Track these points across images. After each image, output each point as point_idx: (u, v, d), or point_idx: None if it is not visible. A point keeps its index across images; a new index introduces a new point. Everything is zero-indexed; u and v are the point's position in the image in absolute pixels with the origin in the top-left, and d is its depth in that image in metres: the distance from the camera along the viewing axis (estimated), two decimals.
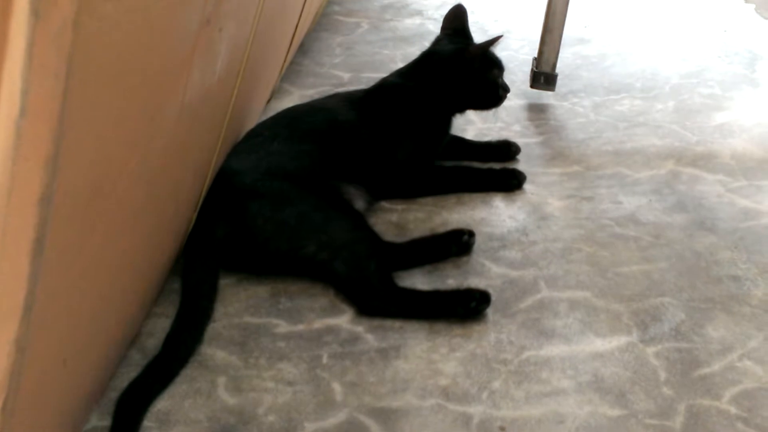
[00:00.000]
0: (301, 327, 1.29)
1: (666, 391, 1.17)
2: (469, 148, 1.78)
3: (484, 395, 1.16)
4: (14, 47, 0.57)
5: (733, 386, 1.18)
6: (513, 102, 2.05)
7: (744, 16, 2.66)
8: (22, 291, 0.67)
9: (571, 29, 2.26)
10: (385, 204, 1.61)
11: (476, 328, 1.28)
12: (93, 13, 0.64)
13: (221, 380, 1.17)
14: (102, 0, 0.65)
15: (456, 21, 1.77)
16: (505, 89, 1.72)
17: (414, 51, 2.27)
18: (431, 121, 1.67)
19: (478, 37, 1.78)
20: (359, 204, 1.50)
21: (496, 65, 1.70)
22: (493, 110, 1.75)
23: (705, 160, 1.78)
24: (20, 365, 0.70)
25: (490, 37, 1.67)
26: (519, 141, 1.82)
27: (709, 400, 1.15)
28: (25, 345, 0.70)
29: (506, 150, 1.77)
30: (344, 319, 1.30)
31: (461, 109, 1.72)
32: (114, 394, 1.12)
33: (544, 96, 2.06)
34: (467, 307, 1.29)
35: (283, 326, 1.28)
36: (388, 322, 1.29)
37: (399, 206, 1.60)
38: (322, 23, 2.54)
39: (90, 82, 0.68)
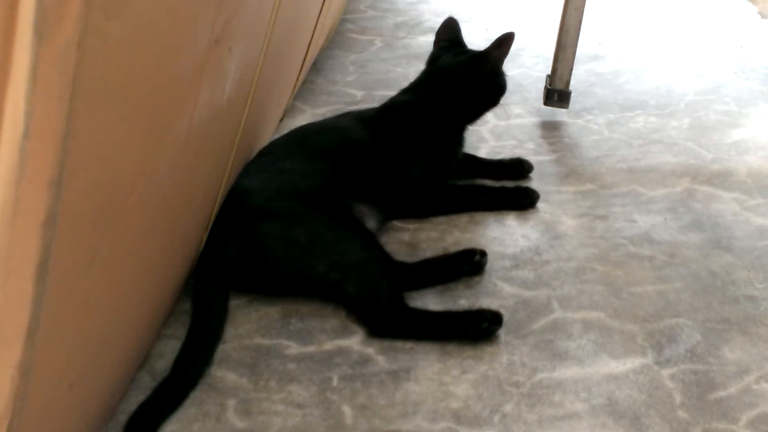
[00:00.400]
0: (311, 348, 1.27)
1: (681, 414, 1.15)
2: (481, 166, 1.77)
3: (496, 418, 1.14)
4: (18, 69, 0.57)
5: (750, 410, 1.16)
6: (527, 119, 2.04)
7: (760, 32, 2.64)
8: (26, 315, 0.66)
9: (585, 46, 2.25)
10: (397, 223, 1.59)
11: (488, 350, 1.27)
12: (98, 34, 0.64)
13: (231, 403, 1.16)
14: (107, 20, 0.65)
15: (450, 32, 1.78)
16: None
17: None
18: (444, 138, 1.66)
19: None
20: (371, 223, 1.49)
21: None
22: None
23: (721, 178, 1.76)
24: (24, 389, 0.70)
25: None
26: (532, 159, 1.81)
27: (725, 424, 1.13)
28: (30, 369, 0.69)
29: (519, 168, 1.76)
30: (355, 341, 1.29)
31: (476, 116, 1.72)
32: (123, 417, 1.11)
33: (558, 113, 2.05)
34: (479, 328, 1.28)
35: (293, 348, 1.27)
36: (399, 344, 1.28)
37: (411, 225, 1.59)
38: (335, 41, 2.54)
39: (95, 103, 0.67)
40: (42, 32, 0.57)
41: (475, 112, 1.71)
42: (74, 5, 0.59)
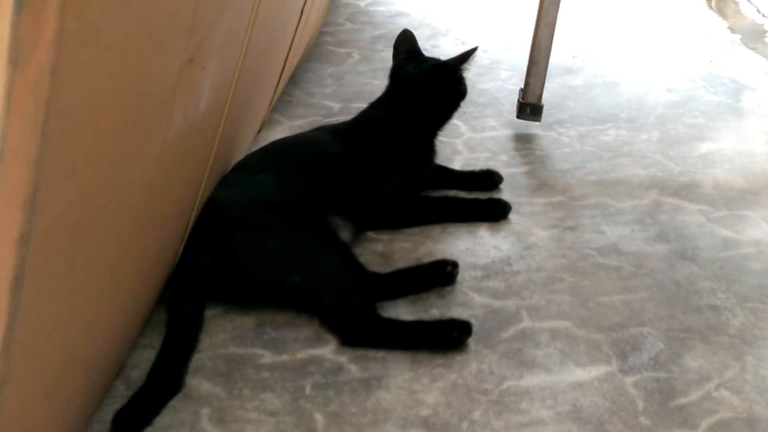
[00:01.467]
0: (285, 357, 1.30)
1: (643, 420, 1.18)
2: (453, 177, 1.81)
3: (465, 425, 1.17)
4: None
5: (710, 416, 1.20)
6: (500, 132, 2.08)
7: (729, 47, 2.70)
8: (2, 327, 0.69)
9: (559, 59, 2.31)
10: (371, 234, 1.63)
11: (458, 358, 1.30)
12: (71, 60, 0.67)
13: (205, 411, 1.19)
14: (80, 47, 0.68)
15: (407, 44, 1.83)
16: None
17: None
18: (416, 148, 1.70)
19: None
20: (345, 234, 1.52)
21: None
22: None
23: (687, 190, 1.81)
24: (0, 399, 0.72)
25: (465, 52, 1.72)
26: (505, 171, 1.85)
27: (685, 430, 1.17)
28: (6, 379, 0.72)
29: (489, 179, 1.80)
30: (328, 350, 1.32)
31: (443, 122, 1.77)
32: (98, 426, 1.14)
33: (531, 126, 2.10)
34: (449, 338, 1.31)
35: (267, 356, 1.30)
36: (371, 352, 1.31)
37: (385, 236, 1.63)
38: (313, 54, 2.58)
39: (69, 126, 0.70)
40: (16, 60, 0.60)
41: (441, 118, 1.76)
42: (47, 34, 0.62)
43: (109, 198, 0.87)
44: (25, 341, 0.74)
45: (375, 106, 1.75)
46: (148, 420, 1.16)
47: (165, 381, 1.21)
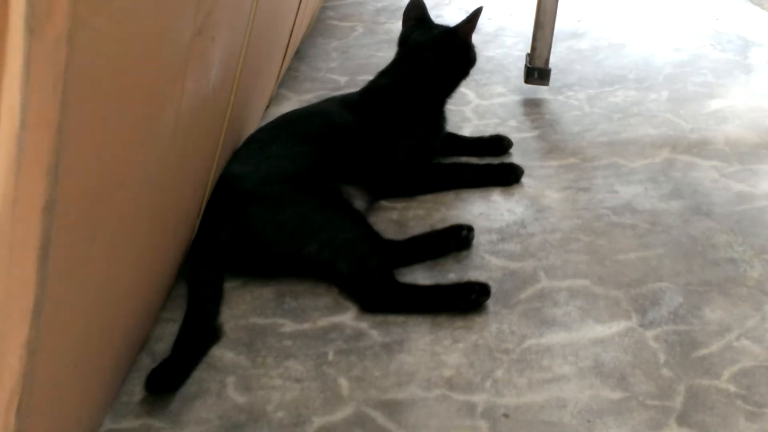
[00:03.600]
0: (306, 326, 1.31)
1: (666, 372, 1.19)
2: (462, 144, 1.81)
3: (488, 384, 1.18)
4: (12, 63, 0.60)
5: (732, 365, 1.20)
6: (508, 98, 2.08)
7: (735, 3, 2.68)
8: (31, 296, 0.70)
9: (564, 23, 2.30)
10: (385, 203, 1.63)
11: (478, 320, 1.31)
12: (86, 28, 0.67)
13: (230, 380, 1.20)
14: (94, 15, 0.68)
15: (417, 11, 1.82)
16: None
17: None
18: (426, 116, 1.70)
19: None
20: (359, 203, 1.53)
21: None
22: None
23: (699, 147, 1.81)
24: (32, 368, 0.73)
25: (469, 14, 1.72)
26: (515, 136, 1.84)
27: (708, 380, 1.18)
28: (36, 348, 0.73)
29: (499, 144, 1.80)
30: (348, 317, 1.33)
31: (452, 89, 1.76)
32: (126, 398, 1.15)
33: (539, 91, 2.09)
34: (468, 300, 1.32)
35: (288, 325, 1.31)
36: (391, 318, 1.32)
37: (399, 204, 1.63)
38: (317, 29, 2.57)
39: (87, 94, 0.71)
40: (33, 28, 0.61)
41: (450, 85, 1.75)
42: (62, 1, 0.62)
43: (126, 169, 0.88)
44: (53, 311, 0.75)
45: (384, 74, 1.75)
46: (179, 381, 1.17)
47: (195, 340, 1.23)
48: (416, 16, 1.80)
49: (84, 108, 0.72)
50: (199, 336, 1.24)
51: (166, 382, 1.16)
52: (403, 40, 1.78)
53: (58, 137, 0.66)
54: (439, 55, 1.70)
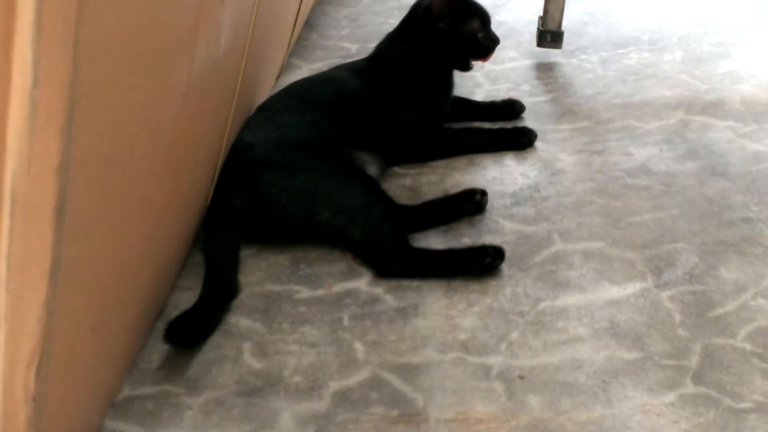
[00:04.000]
0: (321, 292, 1.31)
1: (681, 332, 1.19)
2: (474, 108, 1.80)
3: (503, 346, 1.18)
4: (23, 19, 0.60)
5: (748, 324, 1.20)
6: (521, 62, 2.06)
7: None
8: (48, 257, 0.70)
9: None
10: (398, 169, 1.63)
11: (492, 283, 1.31)
12: None
13: (247, 346, 1.20)
14: None
15: None
16: (493, 40, 1.70)
17: None
18: (429, 82, 1.67)
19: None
20: (372, 170, 1.52)
21: (475, 16, 1.68)
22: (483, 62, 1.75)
23: (715, 108, 1.79)
24: (51, 330, 0.74)
25: None
26: (528, 100, 1.83)
27: (724, 339, 1.17)
28: (55, 309, 0.73)
29: (511, 108, 1.79)
30: (363, 282, 1.33)
31: (451, 66, 1.71)
32: (144, 365, 1.16)
33: (552, 54, 2.07)
34: (482, 264, 1.32)
35: (304, 292, 1.31)
36: (406, 283, 1.32)
37: (412, 170, 1.63)
38: None
39: (98, 52, 0.70)
40: None
41: (448, 60, 1.70)
42: None
43: (139, 130, 0.87)
44: (69, 273, 0.76)
45: (390, 39, 1.73)
46: (201, 335, 1.19)
47: (216, 297, 1.25)
48: None
49: (95, 67, 0.71)
50: (219, 293, 1.25)
51: (188, 334, 1.17)
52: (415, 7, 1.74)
53: (71, 95, 0.66)
54: (424, 30, 1.66)
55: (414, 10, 1.71)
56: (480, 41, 1.68)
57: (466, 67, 1.71)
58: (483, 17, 1.69)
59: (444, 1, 1.64)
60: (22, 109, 0.63)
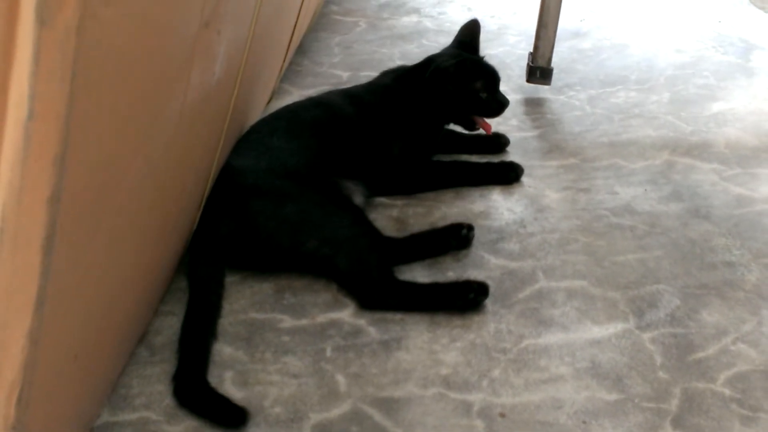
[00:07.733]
0: (305, 321, 1.31)
1: (662, 375, 1.20)
2: (459, 141, 1.81)
3: (485, 383, 1.19)
4: (22, 53, 0.60)
5: (728, 369, 1.21)
6: (510, 97, 2.06)
7: (738, 6, 2.69)
8: (35, 286, 0.70)
9: (567, 23, 2.29)
10: (385, 200, 1.63)
11: (476, 319, 1.31)
12: (95, 19, 0.67)
13: (228, 375, 1.20)
14: (103, 6, 0.68)
15: (466, 33, 1.82)
16: (502, 102, 1.73)
17: (412, 48, 2.32)
18: (422, 125, 1.70)
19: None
20: (358, 200, 1.53)
21: (482, 77, 1.72)
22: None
23: (700, 150, 1.81)
24: (34, 358, 0.73)
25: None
26: (516, 135, 1.85)
27: (704, 383, 1.18)
28: (38, 339, 0.73)
29: (496, 142, 1.81)
30: (347, 313, 1.33)
31: (454, 123, 1.75)
32: (124, 391, 1.15)
33: (541, 90, 2.09)
34: (466, 299, 1.32)
35: (287, 321, 1.31)
36: (390, 315, 1.32)
37: (399, 202, 1.63)
38: (320, 23, 2.57)
39: (94, 85, 0.70)
40: (44, 18, 0.61)
41: (447, 116, 1.74)
42: None
43: (132, 160, 0.88)
44: (55, 302, 0.75)
45: (395, 78, 1.74)
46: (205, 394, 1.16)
47: (201, 338, 1.23)
48: (462, 38, 1.81)
49: (91, 99, 0.71)
50: (204, 333, 1.24)
51: (195, 398, 1.15)
52: (429, 59, 1.75)
53: (65, 127, 0.66)
54: (429, 86, 1.69)
55: (425, 65, 1.72)
56: (485, 101, 1.71)
57: (471, 127, 1.74)
58: (490, 78, 1.73)
59: (455, 64, 1.66)
60: (16, 141, 0.63)
